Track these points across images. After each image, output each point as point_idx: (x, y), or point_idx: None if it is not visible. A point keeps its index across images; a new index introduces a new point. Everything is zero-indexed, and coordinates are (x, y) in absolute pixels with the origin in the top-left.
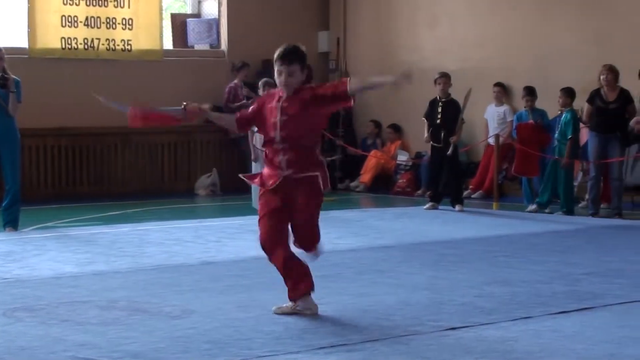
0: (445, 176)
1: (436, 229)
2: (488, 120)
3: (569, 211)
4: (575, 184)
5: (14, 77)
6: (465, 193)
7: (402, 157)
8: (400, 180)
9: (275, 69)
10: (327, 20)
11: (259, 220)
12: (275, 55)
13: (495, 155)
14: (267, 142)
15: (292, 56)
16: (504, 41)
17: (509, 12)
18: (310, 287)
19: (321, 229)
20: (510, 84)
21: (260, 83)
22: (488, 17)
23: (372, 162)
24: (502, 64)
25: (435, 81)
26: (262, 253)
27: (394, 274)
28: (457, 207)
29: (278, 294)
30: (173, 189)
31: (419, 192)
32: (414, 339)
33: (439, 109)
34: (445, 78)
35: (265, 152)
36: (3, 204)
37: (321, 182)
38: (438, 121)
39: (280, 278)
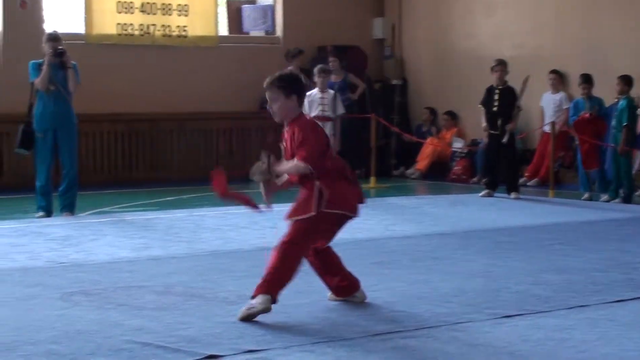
0: (501, 163)
1: (492, 216)
2: (544, 108)
3: (627, 199)
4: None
5: (73, 62)
6: (521, 181)
7: (458, 144)
8: (455, 168)
9: None
10: (383, 6)
11: None
12: None
13: (551, 143)
14: None
15: (270, 85)
16: (560, 28)
17: None
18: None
19: (377, 215)
20: (567, 71)
21: (315, 70)
22: (544, 3)
23: (428, 149)
24: (557, 51)
25: (492, 69)
26: None
27: (449, 261)
28: (513, 195)
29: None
30: (228, 174)
31: (475, 179)
32: (469, 327)
33: (496, 97)
34: (501, 65)
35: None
36: (60, 189)
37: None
38: (495, 108)
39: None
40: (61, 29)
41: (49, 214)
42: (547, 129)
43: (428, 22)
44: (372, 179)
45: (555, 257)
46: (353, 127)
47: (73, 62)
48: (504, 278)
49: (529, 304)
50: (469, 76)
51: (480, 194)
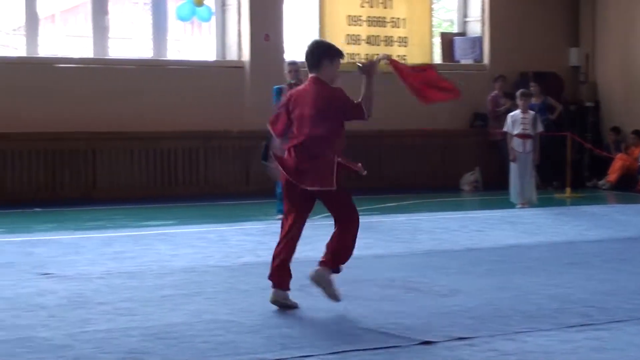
0: None
1: None
2: None
3: None
4: None
5: None
6: None
7: None
8: None
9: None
10: (578, 37)
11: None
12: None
13: None
14: None
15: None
16: None
17: None
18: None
19: (572, 221)
20: None
21: (517, 93)
22: None
23: (617, 163)
24: None
25: None
26: (521, 242)
27: (636, 263)
28: None
29: (534, 278)
30: (441, 184)
31: None
32: None
33: None
34: None
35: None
36: None
37: None
38: None
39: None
40: (299, 58)
41: None
42: None
43: (619, 51)
44: (568, 190)
45: None
46: (551, 144)
47: None
48: None
49: None
50: None
51: None
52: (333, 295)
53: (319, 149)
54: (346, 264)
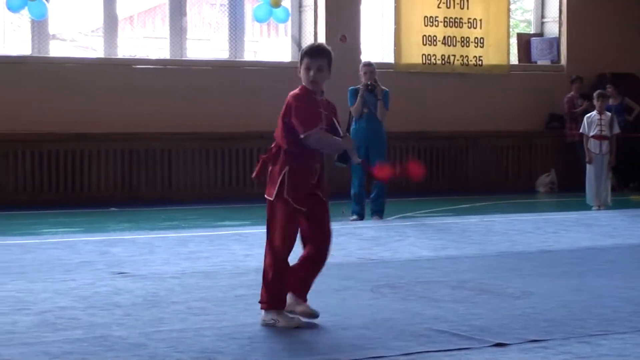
0: None
1: None
2: None
3: None
4: None
5: (384, 88)
6: None
7: None
8: None
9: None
10: None
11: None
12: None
13: None
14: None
15: (328, 53)
16: None
17: None
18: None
19: None
20: None
21: (594, 94)
22: None
23: None
24: None
25: None
26: (596, 244)
27: None
28: None
29: (609, 280)
30: (515, 186)
31: None
32: None
33: None
34: None
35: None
36: (371, 196)
37: None
38: None
39: None
40: (375, 59)
41: (361, 217)
42: None
43: None
44: None
45: None
46: (628, 146)
47: (385, 88)
48: None
49: None
50: None
51: None
52: (292, 324)
53: (275, 155)
54: (417, 264)
